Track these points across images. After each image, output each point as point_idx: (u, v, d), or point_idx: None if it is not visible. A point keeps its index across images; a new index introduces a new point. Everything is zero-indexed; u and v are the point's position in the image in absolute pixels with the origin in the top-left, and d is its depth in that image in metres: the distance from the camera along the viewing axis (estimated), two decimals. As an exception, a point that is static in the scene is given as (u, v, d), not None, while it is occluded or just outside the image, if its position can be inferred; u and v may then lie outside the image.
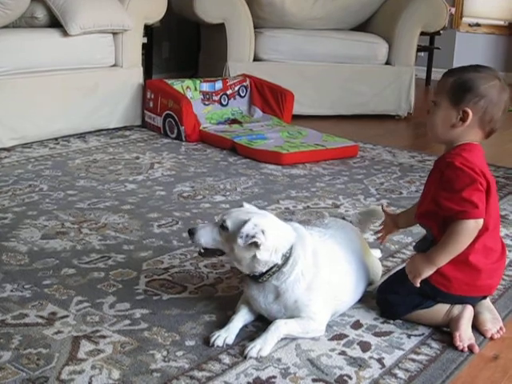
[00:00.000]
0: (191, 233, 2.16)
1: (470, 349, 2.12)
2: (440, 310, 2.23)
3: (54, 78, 4.42)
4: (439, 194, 2.11)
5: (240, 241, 2.06)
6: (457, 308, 2.21)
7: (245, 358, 1.99)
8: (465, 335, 2.15)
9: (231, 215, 2.13)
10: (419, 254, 2.20)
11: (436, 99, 2.20)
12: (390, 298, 2.29)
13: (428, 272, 2.14)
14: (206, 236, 2.15)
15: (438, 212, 2.14)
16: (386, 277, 2.52)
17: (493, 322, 2.25)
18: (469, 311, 2.21)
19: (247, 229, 2.06)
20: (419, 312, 2.24)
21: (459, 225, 2.08)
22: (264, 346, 2.02)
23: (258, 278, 2.13)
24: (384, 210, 2.57)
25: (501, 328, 2.24)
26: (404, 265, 2.45)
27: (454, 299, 2.22)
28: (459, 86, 2.13)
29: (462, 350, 2.12)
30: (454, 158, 2.11)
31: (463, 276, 2.17)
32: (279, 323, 2.09)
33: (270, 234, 2.09)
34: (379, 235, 2.61)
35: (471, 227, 2.08)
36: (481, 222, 2.08)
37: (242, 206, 2.25)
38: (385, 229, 2.57)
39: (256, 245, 2.06)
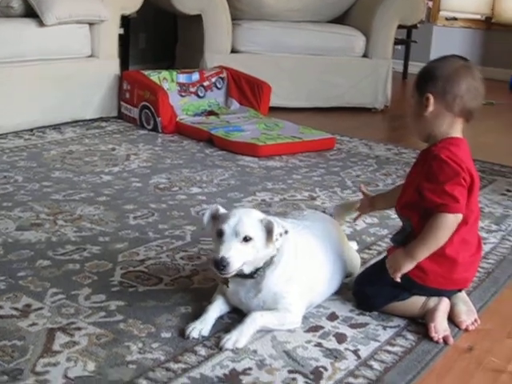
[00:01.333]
0: (222, 265, 2.00)
1: (445, 340, 2.13)
2: (416, 301, 2.24)
3: (29, 68, 4.39)
4: (423, 185, 2.12)
5: (278, 243, 2.08)
6: (432, 300, 2.22)
7: (220, 349, 1.99)
8: (440, 327, 2.16)
9: (241, 223, 2.04)
10: (399, 248, 2.19)
11: (411, 93, 2.24)
12: (366, 290, 2.29)
13: (408, 266, 2.14)
14: (238, 261, 2.03)
15: (419, 203, 2.14)
16: (362, 269, 2.53)
17: (468, 314, 2.26)
18: (444, 303, 2.22)
19: (276, 229, 2.06)
20: (395, 304, 2.25)
21: (439, 218, 2.08)
22: (240, 337, 2.02)
23: (253, 274, 2.12)
24: (361, 190, 2.58)
25: (475, 320, 2.25)
26: (380, 257, 2.47)
27: (430, 291, 2.23)
28: (421, 76, 2.19)
29: (437, 342, 2.13)
30: (440, 150, 2.12)
31: (439, 269, 2.18)
32: (255, 315, 2.08)
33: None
34: (355, 216, 2.65)
35: (450, 221, 2.09)
36: (460, 216, 2.09)
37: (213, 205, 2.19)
38: (360, 209, 2.58)
39: (286, 232, 2.10)
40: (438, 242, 2.11)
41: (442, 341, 2.13)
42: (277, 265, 2.12)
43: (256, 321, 2.07)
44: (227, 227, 2.04)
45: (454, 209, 2.07)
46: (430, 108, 2.14)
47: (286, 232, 2.10)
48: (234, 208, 2.19)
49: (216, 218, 2.13)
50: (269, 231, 2.06)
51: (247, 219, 2.06)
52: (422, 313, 2.23)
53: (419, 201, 2.14)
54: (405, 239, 2.21)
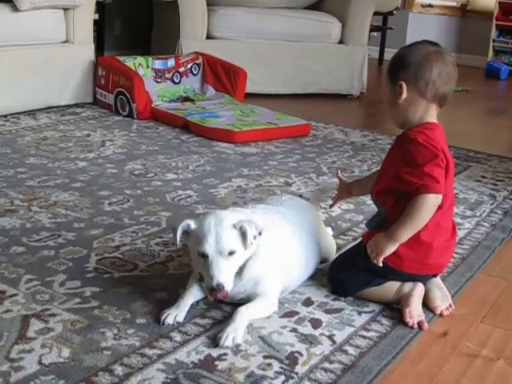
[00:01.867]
0: (218, 289, 1.99)
1: (420, 325, 2.14)
2: (391, 287, 2.25)
3: (3, 53, 4.35)
4: (401, 170, 2.12)
5: (254, 245, 2.08)
6: (407, 285, 2.23)
7: (221, 347, 1.96)
8: (415, 312, 2.17)
9: (221, 239, 2.01)
10: (380, 232, 2.18)
11: (385, 84, 2.25)
12: (341, 276, 2.30)
13: (390, 249, 2.14)
14: (231, 279, 2.04)
15: (396, 187, 2.15)
16: (337, 255, 2.54)
17: (442, 299, 2.27)
18: (419, 289, 2.23)
19: (250, 232, 2.05)
20: (370, 289, 2.26)
21: (420, 199, 2.09)
22: (236, 333, 2.00)
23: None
24: (338, 176, 2.58)
25: (450, 305, 2.27)
26: (355, 243, 2.47)
27: (405, 277, 2.24)
28: (393, 63, 2.21)
29: (411, 327, 2.14)
30: (416, 134, 2.13)
31: (414, 254, 2.19)
32: (241, 310, 2.08)
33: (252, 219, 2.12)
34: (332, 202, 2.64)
35: (431, 201, 2.09)
36: (440, 197, 2.10)
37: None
38: (338, 194, 2.59)
39: (260, 233, 2.09)
40: (420, 223, 2.12)
41: (416, 326, 2.14)
42: (256, 255, 2.13)
43: (243, 315, 2.07)
44: (209, 248, 2.02)
45: (434, 189, 2.08)
46: (404, 95, 2.15)
47: (260, 233, 2.09)
48: (204, 217, 2.11)
49: (188, 234, 2.11)
50: (243, 235, 2.05)
51: (224, 232, 2.03)
52: (396, 298, 2.24)
53: (397, 186, 2.14)
54: (379, 224, 2.21)
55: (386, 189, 2.21)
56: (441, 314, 2.23)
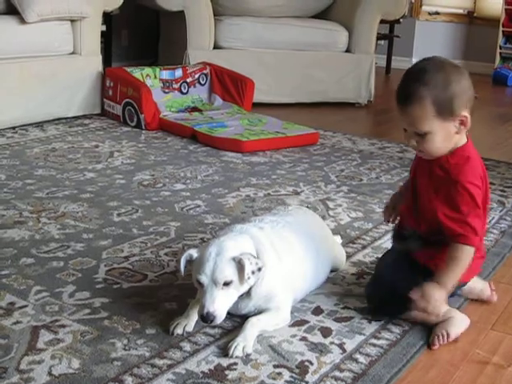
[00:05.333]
0: (210, 320, 1.98)
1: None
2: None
3: (11, 65, 4.36)
4: (442, 211, 2.07)
5: (252, 280, 2.05)
6: (454, 310, 2.20)
7: (231, 357, 1.96)
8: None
9: (217, 269, 1.99)
10: (429, 284, 2.07)
11: (422, 129, 2.04)
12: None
13: (444, 297, 2.08)
14: (224, 309, 2.02)
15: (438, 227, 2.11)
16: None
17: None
18: (465, 324, 2.20)
19: (248, 267, 2.01)
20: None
21: (460, 250, 2.06)
22: (246, 343, 2.00)
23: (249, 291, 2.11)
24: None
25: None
26: (364, 251, 2.45)
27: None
28: (443, 102, 2.02)
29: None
30: (459, 175, 2.05)
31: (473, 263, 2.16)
32: (253, 320, 2.08)
33: (250, 251, 2.08)
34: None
35: (469, 253, 2.07)
36: (474, 249, 2.08)
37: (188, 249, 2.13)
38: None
39: (260, 269, 2.06)
40: (462, 271, 2.09)
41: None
42: (263, 276, 2.10)
43: (255, 325, 2.06)
44: (204, 277, 2.00)
45: (473, 241, 2.06)
46: (469, 124, 2.08)
47: (260, 269, 2.06)
48: (207, 245, 2.09)
49: (191, 262, 2.09)
50: (241, 268, 2.02)
51: (221, 262, 2.01)
52: (438, 320, 2.17)
53: (438, 227, 2.10)
54: (420, 245, 2.19)
55: (430, 224, 2.16)
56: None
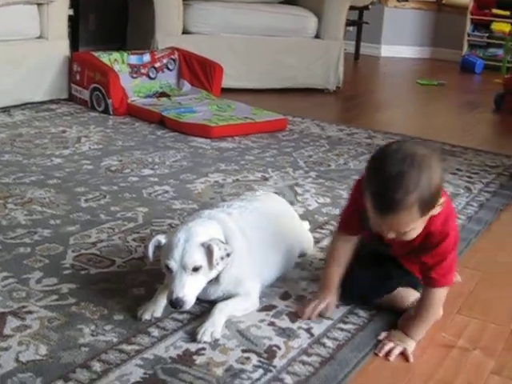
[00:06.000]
0: (179, 306, 1.97)
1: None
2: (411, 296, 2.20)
3: (-24, 50, 4.31)
4: (425, 257, 2.03)
5: (221, 265, 2.04)
6: None
7: (199, 342, 1.96)
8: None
9: (186, 254, 1.99)
10: (394, 331, 2.08)
11: (405, 230, 1.93)
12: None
13: (412, 347, 2.04)
14: (193, 295, 2.01)
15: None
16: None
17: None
18: None
19: (217, 253, 2.01)
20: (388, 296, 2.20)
21: (437, 294, 2.04)
22: (215, 328, 2.00)
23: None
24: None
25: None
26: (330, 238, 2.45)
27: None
28: (429, 201, 1.87)
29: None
30: (446, 228, 2.00)
31: None
32: (221, 305, 2.08)
33: (218, 236, 2.08)
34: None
35: (445, 294, 2.07)
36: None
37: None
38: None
39: (228, 255, 2.06)
40: (436, 318, 2.10)
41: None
42: (232, 262, 2.10)
43: (223, 311, 2.07)
44: (173, 263, 2.00)
45: (451, 282, 2.08)
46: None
47: (229, 255, 2.06)
48: (176, 231, 2.08)
49: (159, 248, 2.08)
50: (210, 254, 2.02)
51: (190, 248, 2.00)
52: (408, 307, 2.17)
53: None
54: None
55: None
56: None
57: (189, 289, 1.99)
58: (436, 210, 1.93)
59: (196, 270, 2.00)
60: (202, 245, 2.02)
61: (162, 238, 2.07)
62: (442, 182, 1.91)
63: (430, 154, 1.90)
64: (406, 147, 1.89)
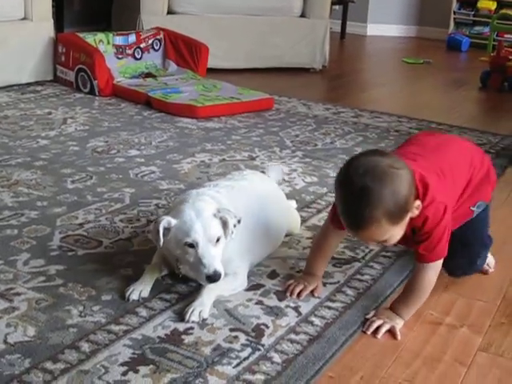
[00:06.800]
0: (217, 278, 2.00)
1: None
2: None
3: (-40, 31, 4.28)
4: (415, 241, 2.02)
5: (234, 233, 2.07)
6: None
7: (187, 322, 1.97)
8: None
9: (208, 227, 2.01)
10: (385, 309, 2.08)
11: (381, 240, 1.95)
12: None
13: (400, 325, 2.04)
14: (221, 264, 2.03)
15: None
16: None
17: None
18: None
19: (231, 221, 2.05)
20: None
21: (424, 272, 2.03)
22: (203, 307, 2.01)
23: None
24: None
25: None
26: (319, 215, 2.46)
27: None
28: (397, 211, 1.86)
29: None
30: (433, 222, 1.98)
31: None
32: (210, 285, 2.07)
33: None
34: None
35: (434, 274, 2.05)
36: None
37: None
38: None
39: (239, 221, 2.09)
40: (427, 296, 2.08)
41: None
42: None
43: (211, 291, 2.07)
44: (199, 237, 2.01)
45: (443, 254, 2.03)
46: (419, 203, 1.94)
47: (239, 221, 2.09)
48: (179, 210, 2.06)
49: (168, 230, 2.05)
50: (224, 224, 2.06)
51: (209, 220, 2.03)
52: None
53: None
54: None
55: None
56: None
57: (219, 260, 2.03)
58: (414, 213, 1.92)
59: (218, 240, 2.03)
60: (215, 216, 2.05)
61: (171, 219, 2.06)
62: (410, 191, 1.87)
63: (392, 163, 1.87)
64: (368, 160, 1.88)
